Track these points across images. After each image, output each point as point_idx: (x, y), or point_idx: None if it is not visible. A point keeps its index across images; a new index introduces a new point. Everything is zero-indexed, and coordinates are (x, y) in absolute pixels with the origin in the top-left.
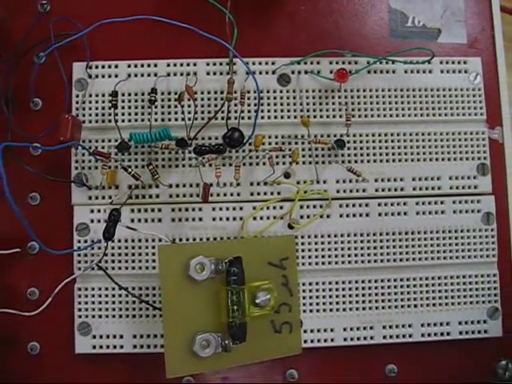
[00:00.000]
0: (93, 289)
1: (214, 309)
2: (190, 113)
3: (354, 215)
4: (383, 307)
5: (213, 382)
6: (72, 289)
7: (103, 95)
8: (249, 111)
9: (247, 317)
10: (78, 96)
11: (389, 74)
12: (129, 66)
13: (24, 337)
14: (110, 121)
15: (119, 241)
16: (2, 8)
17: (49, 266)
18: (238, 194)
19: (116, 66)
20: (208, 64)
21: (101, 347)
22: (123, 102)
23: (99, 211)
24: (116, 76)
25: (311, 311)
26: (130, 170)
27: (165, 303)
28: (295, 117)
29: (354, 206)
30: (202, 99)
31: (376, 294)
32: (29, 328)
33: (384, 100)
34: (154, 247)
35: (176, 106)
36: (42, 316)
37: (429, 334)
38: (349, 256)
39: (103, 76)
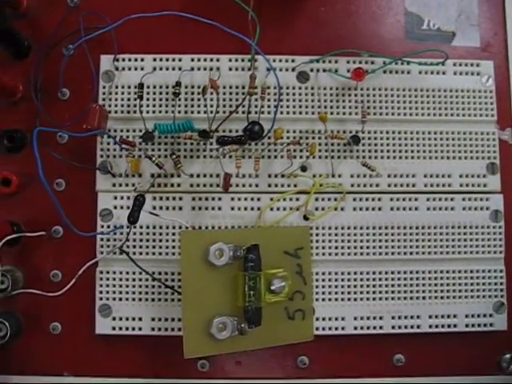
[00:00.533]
0: (114, 272)
1: (231, 293)
2: (212, 106)
3: (366, 209)
4: (393, 298)
5: (227, 366)
6: (94, 272)
7: (129, 87)
8: (268, 106)
9: (262, 302)
10: (104, 87)
11: (404, 75)
12: (154, 59)
13: (46, 317)
14: (135, 112)
15: (141, 227)
16: (34, 2)
17: (72, 250)
18: (256, 185)
19: (142, 60)
20: (230, 60)
21: (120, 329)
22: (148, 94)
23: (122, 198)
24: (142, 69)
25: (323, 300)
26: (154, 158)
27: (184, 286)
28: (313, 113)
29: (367, 200)
30: (224, 93)
31: (386, 286)
32: (51, 309)
33: (399, 99)
34: (174, 234)
35: (199, 100)
36: (65, 297)
37: (436, 326)
38: (361, 248)
39: (129, 69)
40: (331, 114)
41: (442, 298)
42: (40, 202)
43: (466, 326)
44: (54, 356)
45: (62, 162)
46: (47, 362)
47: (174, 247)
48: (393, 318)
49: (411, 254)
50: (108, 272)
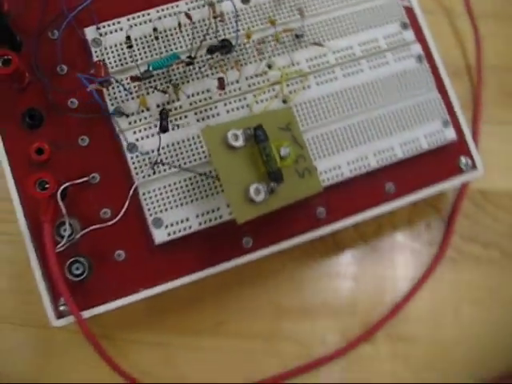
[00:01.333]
0: (154, 190)
1: (255, 166)
2: (185, 41)
3: (326, 82)
4: (369, 140)
5: (266, 236)
6: (138, 198)
7: (116, 45)
8: (228, 29)
9: (279, 165)
10: (96, 51)
11: None
12: (128, 19)
13: (109, 250)
14: (127, 63)
15: (163, 148)
16: (14, 3)
17: (112, 188)
18: (240, 89)
19: (119, 22)
20: (187, 3)
21: (174, 233)
22: (132, 46)
23: (140, 131)
24: (121, 29)
25: (319, 157)
26: (158, 87)
27: (219, 170)
28: (262, 23)
29: (324, 75)
30: (192, 29)
31: (361, 132)
32: (111, 241)
33: None
34: (191, 145)
35: (174, 39)
36: (119, 226)
37: (408, 151)
38: (332, 111)
39: (111, 32)
40: (276, 20)
41: (403, 128)
42: (71, 161)
43: (428, 144)
44: (126, 279)
45: (82, 119)
46: (122, 286)
47: (194, 155)
48: (374, 154)
49: (370, 104)
50: (149, 192)
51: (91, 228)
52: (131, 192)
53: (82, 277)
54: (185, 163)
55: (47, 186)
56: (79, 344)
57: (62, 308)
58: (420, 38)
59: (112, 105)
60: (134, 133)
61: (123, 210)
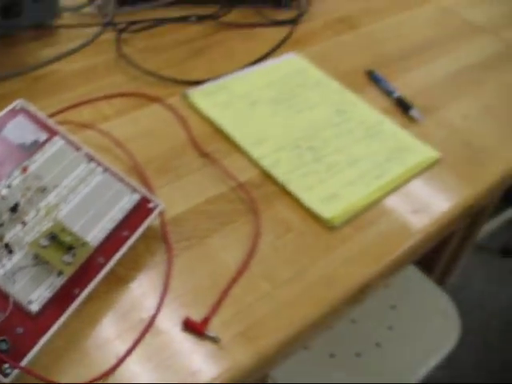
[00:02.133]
0: (19, 288)
1: (60, 249)
2: None
3: (67, 203)
4: (99, 219)
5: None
6: (13, 298)
7: None
8: (10, 200)
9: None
10: None
11: None
12: None
13: (12, 329)
14: None
15: (16, 265)
16: None
17: None
18: (31, 225)
19: None
20: None
21: (40, 303)
22: None
23: None
24: None
25: (86, 234)
26: None
27: (46, 258)
28: (26, 191)
29: (65, 201)
30: None
31: (92, 218)
32: (10, 325)
33: None
34: (25, 257)
35: None
36: (11, 316)
37: (124, 212)
38: (77, 215)
39: None
40: (30, 187)
41: (117, 202)
42: None
43: (130, 205)
44: (30, 338)
45: None
46: (31, 342)
47: (28, 260)
48: (108, 221)
49: (93, 204)
50: (18, 291)
51: None
52: (9, 299)
53: (7, 347)
54: (26, 266)
55: None
56: None
57: (5, 371)
58: (99, 162)
59: None
60: None
61: (9, 307)
